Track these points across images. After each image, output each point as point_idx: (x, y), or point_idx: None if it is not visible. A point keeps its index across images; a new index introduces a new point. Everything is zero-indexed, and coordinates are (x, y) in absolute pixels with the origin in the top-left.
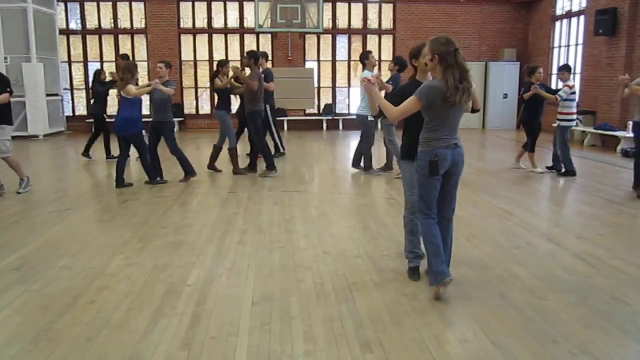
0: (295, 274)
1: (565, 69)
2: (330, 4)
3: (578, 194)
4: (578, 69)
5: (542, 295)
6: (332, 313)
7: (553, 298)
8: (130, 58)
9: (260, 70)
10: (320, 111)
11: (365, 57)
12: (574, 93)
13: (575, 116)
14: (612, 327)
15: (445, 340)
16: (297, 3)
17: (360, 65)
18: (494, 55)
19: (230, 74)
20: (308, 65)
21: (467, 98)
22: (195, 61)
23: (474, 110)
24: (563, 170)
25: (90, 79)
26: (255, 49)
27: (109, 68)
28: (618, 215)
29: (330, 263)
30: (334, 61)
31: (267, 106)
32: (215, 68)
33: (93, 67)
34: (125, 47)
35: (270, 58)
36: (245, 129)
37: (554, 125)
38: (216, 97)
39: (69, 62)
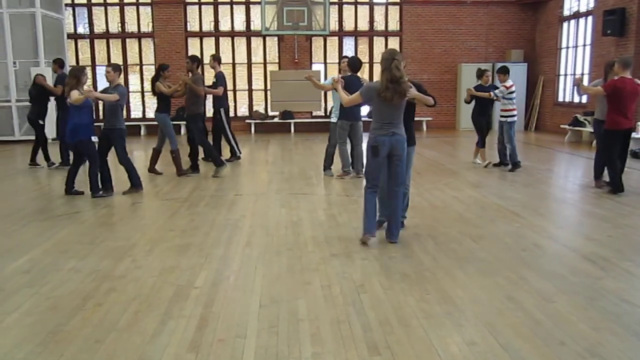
0: (302, 276)
1: (501, 71)
2: (337, 6)
3: (586, 196)
4: (586, 70)
5: (551, 297)
6: (339, 315)
7: (562, 300)
8: (138, 62)
9: (214, 73)
10: (327, 113)
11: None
12: (512, 92)
13: (515, 112)
14: (621, 330)
15: (453, 342)
16: (304, 5)
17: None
18: (501, 57)
19: (181, 82)
20: (315, 67)
21: (398, 98)
22: (202, 64)
23: (430, 106)
24: (510, 165)
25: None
26: (262, 52)
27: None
28: (627, 217)
29: (338, 265)
30: (340, 63)
31: (222, 110)
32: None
33: (101, 71)
34: (132, 51)
35: (277, 60)
36: (210, 129)
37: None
38: (156, 100)
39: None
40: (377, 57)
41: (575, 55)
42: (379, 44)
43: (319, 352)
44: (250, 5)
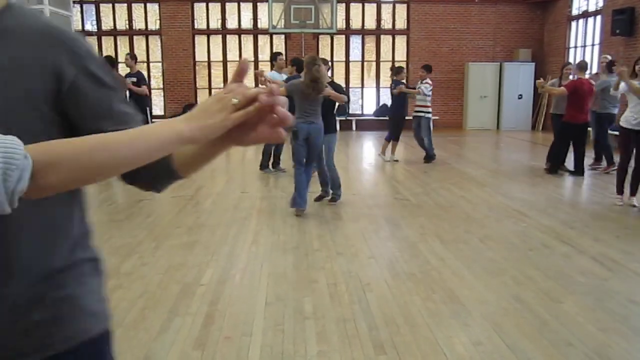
0: (308, 275)
1: (425, 69)
2: (344, 4)
3: (595, 196)
4: (595, 70)
5: (558, 298)
6: (345, 314)
7: (569, 301)
8: (146, 59)
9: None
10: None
11: (274, 58)
12: (431, 90)
13: (430, 109)
14: (629, 331)
15: (459, 342)
16: (311, 4)
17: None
18: (509, 56)
19: None
20: None
21: (316, 94)
22: (209, 62)
23: (343, 102)
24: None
25: None
26: (269, 49)
27: (123, 69)
28: (636, 218)
29: (344, 264)
30: (347, 62)
31: (147, 109)
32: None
33: None
34: (140, 48)
35: (283, 59)
36: None
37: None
38: None
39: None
40: (384, 56)
41: (584, 54)
42: (386, 42)
43: (325, 350)
44: (258, 3)
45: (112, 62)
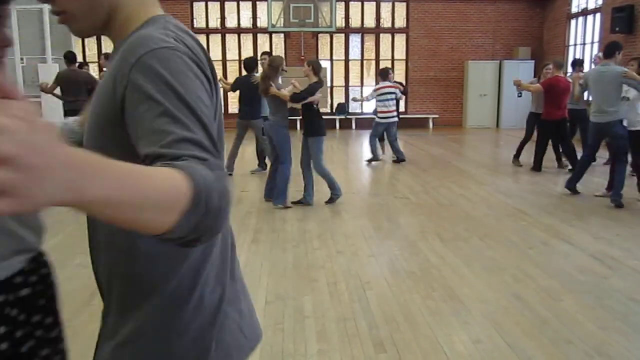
0: (308, 273)
1: (379, 75)
2: (343, 3)
3: (594, 194)
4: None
5: (558, 296)
6: (345, 312)
7: (569, 299)
8: None
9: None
10: (333, 110)
11: (262, 58)
12: (385, 94)
13: (393, 114)
14: (628, 329)
15: (459, 340)
16: (310, 2)
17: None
18: (509, 54)
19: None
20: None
21: (262, 94)
22: None
23: (291, 100)
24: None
25: None
26: (268, 48)
27: None
28: (636, 215)
29: (344, 262)
30: (346, 60)
31: None
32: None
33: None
34: None
35: (283, 57)
36: None
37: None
38: None
39: (85, 63)
40: (384, 54)
41: (583, 52)
42: (385, 40)
43: (325, 349)
44: (257, 2)
45: (72, 58)
